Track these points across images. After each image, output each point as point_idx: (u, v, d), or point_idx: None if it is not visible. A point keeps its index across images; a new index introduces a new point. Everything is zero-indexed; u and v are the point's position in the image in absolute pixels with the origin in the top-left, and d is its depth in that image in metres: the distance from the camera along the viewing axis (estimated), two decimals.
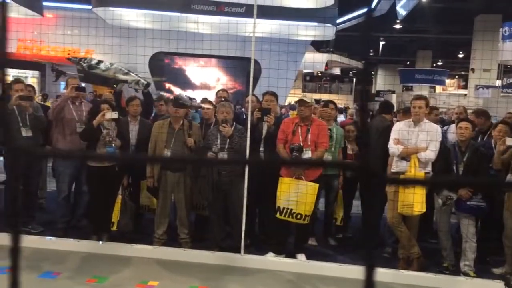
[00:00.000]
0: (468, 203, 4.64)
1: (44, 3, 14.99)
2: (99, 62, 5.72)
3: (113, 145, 4.90)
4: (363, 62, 0.77)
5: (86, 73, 5.73)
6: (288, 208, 4.74)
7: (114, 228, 5.16)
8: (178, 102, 5.08)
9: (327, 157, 5.21)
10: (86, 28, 7.55)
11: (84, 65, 5.49)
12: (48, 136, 5.52)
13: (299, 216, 4.74)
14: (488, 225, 5.12)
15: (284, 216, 4.76)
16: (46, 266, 4.43)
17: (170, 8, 13.94)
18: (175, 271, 4.55)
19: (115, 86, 5.93)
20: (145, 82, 5.88)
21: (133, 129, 5.37)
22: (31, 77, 18.19)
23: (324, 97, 26.53)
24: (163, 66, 18.95)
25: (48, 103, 8.33)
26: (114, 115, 4.88)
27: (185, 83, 19.46)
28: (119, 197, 5.17)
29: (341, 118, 9.39)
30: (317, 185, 4.76)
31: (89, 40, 8.00)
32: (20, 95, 5.09)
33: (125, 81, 6.04)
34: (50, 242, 4.93)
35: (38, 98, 9.86)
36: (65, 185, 5.33)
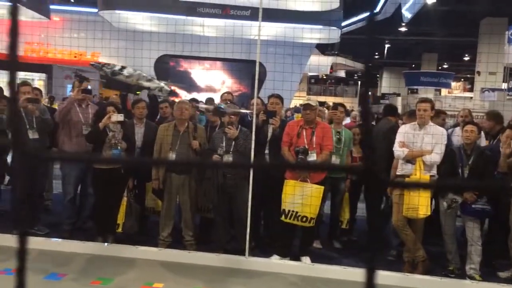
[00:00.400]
0: (473, 206, 4.62)
1: (51, 6, 15.10)
2: (123, 68, 5.53)
3: (119, 147, 4.93)
4: (365, 64, 0.78)
5: (109, 79, 5.54)
6: (293, 211, 4.74)
7: (119, 230, 5.18)
8: (219, 111, 5.01)
9: (336, 160, 5.23)
10: (92, 31, 7.59)
11: (108, 71, 5.32)
12: (55, 138, 5.56)
13: (304, 219, 4.74)
14: (494, 228, 5.10)
15: (290, 219, 4.76)
16: (52, 267, 4.46)
17: (176, 11, 13.99)
18: (180, 273, 4.56)
19: (138, 93, 5.78)
20: (168, 89, 5.74)
21: (139, 132, 5.39)
22: (37, 80, 18.31)
23: (329, 99, 26.53)
24: (168, 69, 19.01)
25: (55, 106, 8.38)
26: (120, 117, 4.91)
27: (191, 86, 19.50)
28: (124, 199, 5.19)
29: (347, 120, 9.40)
30: (322, 187, 4.76)
31: (95, 43, 8.05)
32: (27, 98, 5.14)
33: (148, 88, 5.90)
34: (56, 244, 4.96)
35: (45, 101, 9.93)
36: (71, 187, 5.37)
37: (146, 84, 5.79)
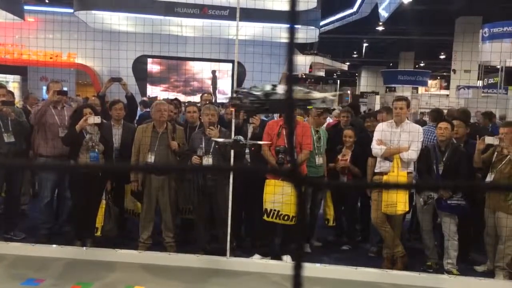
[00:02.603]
0: (448, 202, 4.71)
1: (25, 7, 14.80)
2: (274, 86, 4.84)
3: (96, 150, 4.86)
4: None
5: (263, 103, 4.79)
6: (275, 210, 4.76)
7: (98, 233, 5.11)
8: (238, 144, 4.68)
9: (319, 159, 5.26)
10: (68, 32, 7.47)
11: (258, 93, 4.62)
12: (30, 141, 5.45)
13: (286, 218, 4.76)
14: (469, 223, 5.20)
15: (272, 218, 4.77)
16: (29, 273, 4.37)
17: (153, 11, 13.88)
18: (161, 275, 4.52)
19: (310, 108, 5.15)
20: (333, 98, 5.06)
21: (117, 133, 5.33)
22: (12, 82, 17.93)
23: None
24: (146, 70, 18.85)
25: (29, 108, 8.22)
26: (97, 119, 4.84)
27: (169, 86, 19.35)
28: (103, 201, 5.12)
29: (328, 119, 9.41)
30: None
31: (71, 44, 7.91)
32: (2, 100, 5.03)
33: (305, 101, 5.17)
34: (33, 249, 4.86)
35: (20, 103, 9.72)
36: (48, 190, 5.26)
37: (310, 96, 5.03)
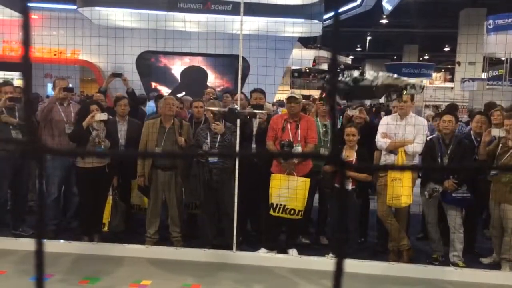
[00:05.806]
0: (453, 194, 4.71)
1: (29, 4, 14.81)
2: (362, 72, 4.71)
3: (102, 146, 4.89)
4: (332, 53, 0.78)
5: (352, 89, 4.69)
6: (281, 204, 4.78)
7: (106, 229, 5.16)
8: (233, 113, 4.65)
9: (324, 152, 5.25)
10: (72, 29, 7.49)
11: (347, 80, 4.53)
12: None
13: (292, 212, 4.78)
14: (474, 216, 5.21)
15: (278, 212, 4.79)
16: None
17: (157, 7, 13.87)
18: (168, 269, 4.56)
19: (390, 96, 4.99)
20: (423, 85, 4.86)
21: (122, 129, 5.36)
22: (17, 79, 18.00)
23: (313, 93, 26.59)
24: (150, 66, 18.86)
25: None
26: (104, 116, 4.86)
27: (173, 82, 19.36)
28: (110, 197, 5.16)
29: None
30: (308, 179, 4.79)
31: (75, 41, 7.94)
32: (10, 97, 5.08)
33: (396, 86, 5.03)
34: None
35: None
36: (55, 187, 5.31)
37: (395, 82, 4.90)
